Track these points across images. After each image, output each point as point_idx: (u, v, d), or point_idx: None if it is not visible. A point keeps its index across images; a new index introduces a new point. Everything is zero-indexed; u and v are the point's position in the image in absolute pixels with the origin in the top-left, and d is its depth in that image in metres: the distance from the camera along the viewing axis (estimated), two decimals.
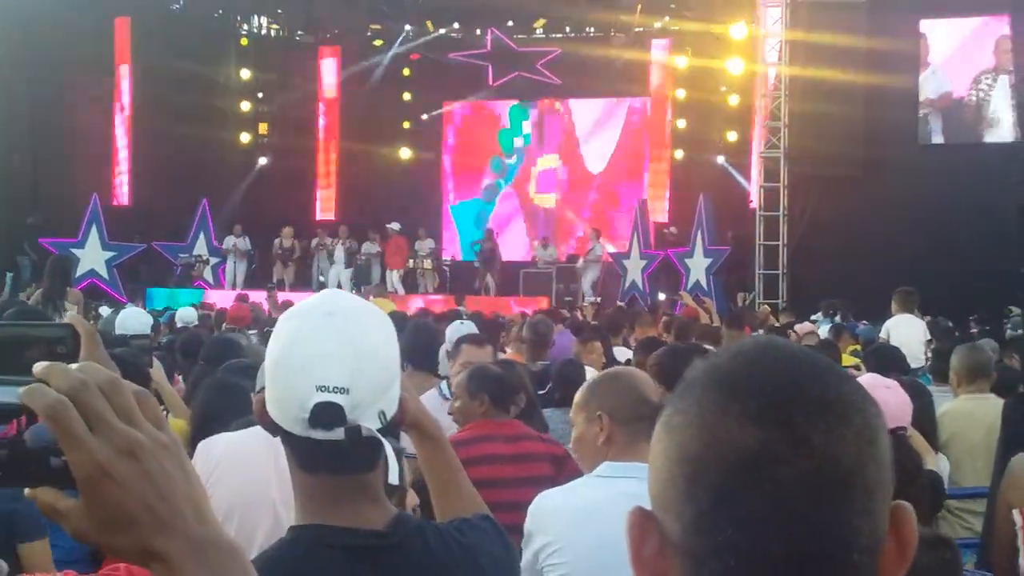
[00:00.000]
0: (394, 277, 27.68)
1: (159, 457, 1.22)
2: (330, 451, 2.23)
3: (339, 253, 28.34)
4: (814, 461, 1.25)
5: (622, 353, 10.40)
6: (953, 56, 23.39)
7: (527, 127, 33.31)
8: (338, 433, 2.20)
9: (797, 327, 15.10)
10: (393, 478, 2.36)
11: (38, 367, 1.24)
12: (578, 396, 4.20)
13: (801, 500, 1.24)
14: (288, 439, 2.28)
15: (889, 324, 13.21)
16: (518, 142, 33.37)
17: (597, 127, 32.83)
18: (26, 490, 1.24)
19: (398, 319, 12.02)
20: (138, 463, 1.20)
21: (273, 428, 2.29)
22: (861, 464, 1.26)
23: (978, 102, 23.32)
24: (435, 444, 2.68)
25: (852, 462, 1.26)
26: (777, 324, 16.62)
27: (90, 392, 1.21)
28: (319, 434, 2.21)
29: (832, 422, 1.26)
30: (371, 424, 2.24)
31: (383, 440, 2.33)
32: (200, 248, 28.02)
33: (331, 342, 2.24)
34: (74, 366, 1.25)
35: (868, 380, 5.18)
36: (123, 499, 1.19)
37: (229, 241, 28.22)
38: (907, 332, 12.62)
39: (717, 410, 1.29)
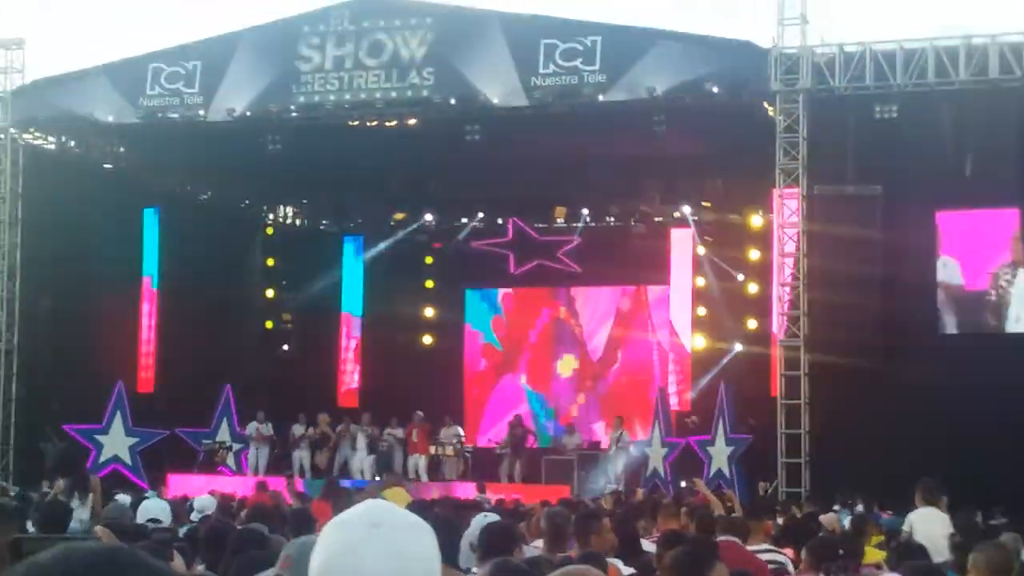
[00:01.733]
0: (420, 463, 27.64)
1: None
2: None
3: (361, 440, 28.32)
4: None
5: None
6: (966, 248, 23.58)
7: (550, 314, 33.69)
8: None
9: (822, 518, 15.01)
10: None
11: None
12: None
13: None
14: None
15: (912, 517, 13.09)
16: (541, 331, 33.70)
17: (615, 316, 33.09)
18: None
19: (420, 509, 12.02)
20: None
21: None
22: None
23: (999, 295, 23.42)
24: None
25: None
26: (799, 515, 16.50)
27: None
28: None
29: None
30: None
31: None
32: (223, 434, 28.05)
33: (378, 557, 2.26)
34: None
35: None
36: None
37: (252, 427, 28.25)
38: (931, 526, 12.50)
39: None
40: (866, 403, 22.55)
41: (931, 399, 21.83)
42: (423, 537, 2.36)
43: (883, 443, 21.97)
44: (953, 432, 21.35)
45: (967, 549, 8.03)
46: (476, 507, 12.12)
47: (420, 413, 28.20)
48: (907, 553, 8.51)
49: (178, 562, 7.48)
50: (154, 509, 11.23)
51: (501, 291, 34.13)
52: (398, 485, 21.49)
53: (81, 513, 14.42)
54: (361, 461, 27.92)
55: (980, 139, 22.75)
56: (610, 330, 33.07)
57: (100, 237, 26.20)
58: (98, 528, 2.54)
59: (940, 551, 11.44)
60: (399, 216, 33.54)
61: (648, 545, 10.26)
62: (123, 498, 16.00)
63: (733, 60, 23.94)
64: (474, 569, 7.40)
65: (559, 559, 8.61)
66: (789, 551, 10.43)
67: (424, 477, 26.95)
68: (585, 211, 32.37)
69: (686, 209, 30.73)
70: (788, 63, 23.20)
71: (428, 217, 33.22)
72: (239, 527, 10.62)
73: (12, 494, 16.17)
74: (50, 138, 27.51)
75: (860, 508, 17.32)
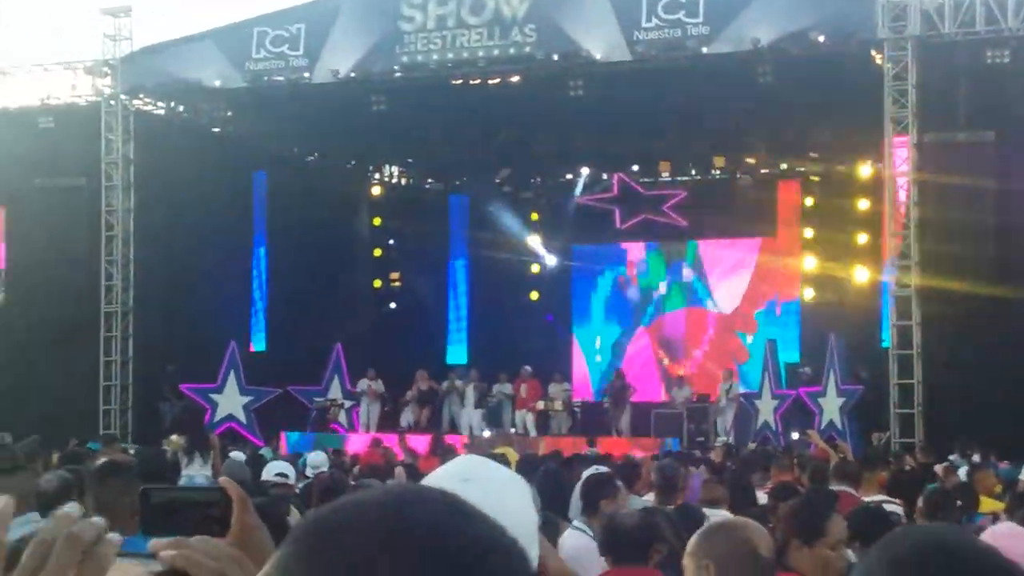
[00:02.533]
0: (528, 419, 27.78)
1: None
2: None
3: (470, 395, 28.52)
4: None
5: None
6: None
7: (660, 268, 33.54)
8: None
9: (937, 467, 14.85)
10: None
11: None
12: (691, 543, 4.21)
13: None
14: None
15: None
16: (657, 286, 33.57)
17: (728, 267, 32.89)
18: None
19: (529, 463, 12.11)
20: None
21: None
22: None
23: None
24: None
25: None
26: (913, 465, 16.34)
27: None
28: None
29: None
30: None
31: None
32: (335, 392, 28.42)
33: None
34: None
35: (1004, 529, 5.10)
36: None
37: (363, 384, 28.56)
38: None
39: None
40: (980, 353, 22.22)
41: None
42: (517, 491, 2.34)
43: (998, 394, 21.65)
44: None
45: None
46: (585, 461, 12.15)
47: (528, 368, 28.34)
48: None
49: (295, 516, 7.65)
50: (279, 467, 11.49)
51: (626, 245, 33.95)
52: (507, 444, 21.73)
53: (204, 470, 14.72)
54: (470, 417, 28.13)
55: None
56: (732, 284, 32.83)
57: (210, 200, 26.57)
58: (223, 479, 2.59)
59: None
60: (504, 173, 33.57)
61: (762, 497, 10.27)
62: (237, 455, 16.28)
63: (839, 8, 23.57)
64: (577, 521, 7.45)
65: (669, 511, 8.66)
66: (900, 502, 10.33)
67: (532, 432, 27.07)
68: (690, 165, 32.17)
69: (793, 161, 30.40)
70: (896, 10, 22.78)
71: (533, 174, 33.20)
72: (352, 482, 10.81)
73: (132, 452, 16.51)
74: (159, 104, 27.92)
75: (977, 458, 17.09)
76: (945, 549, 1.39)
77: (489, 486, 2.31)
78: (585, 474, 8.50)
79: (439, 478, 2.38)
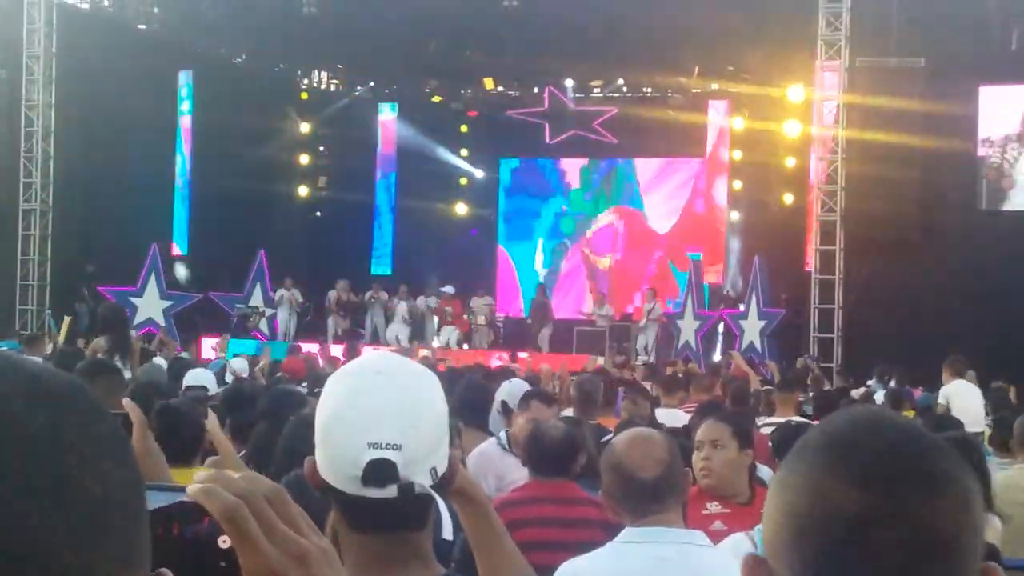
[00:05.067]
0: (452, 336, 27.82)
1: (323, 564, 1.26)
2: (382, 509, 2.22)
3: (400, 309, 28.51)
4: (912, 528, 1.35)
5: (674, 416, 10.33)
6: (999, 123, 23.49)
7: (592, 183, 33.52)
8: (391, 490, 2.18)
9: (853, 392, 15.00)
10: (446, 533, 2.35)
11: (201, 475, 1.24)
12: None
13: (899, 563, 1.35)
14: (339, 499, 2.27)
15: (948, 391, 13.11)
16: (584, 197, 33.56)
17: (659, 186, 32.91)
18: None
19: (451, 376, 12.05)
20: (307, 570, 1.24)
21: (324, 489, 2.28)
22: (956, 532, 1.37)
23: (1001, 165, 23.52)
24: (479, 509, 2.65)
25: (948, 530, 1.36)
26: (830, 387, 16.50)
27: (259, 500, 1.23)
28: (372, 492, 2.19)
29: (931, 492, 1.37)
30: (423, 481, 2.23)
31: (436, 497, 2.34)
32: (256, 299, 28.18)
33: (383, 399, 2.24)
34: (238, 475, 1.27)
35: None
36: None
37: (281, 292, 28.36)
38: (966, 400, 12.51)
39: (824, 471, 1.41)
40: (902, 278, 22.48)
41: (968, 274, 21.77)
42: (428, 382, 2.35)
43: (916, 320, 21.94)
44: (990, 308, 21.31)
45: (1008, 423, 7.99)
46: (507, 374, 12.12)
47: (451, 289, 28.32)
48: (942, 425, 8.46)
49: (211, 419, 7.52)
50: (200, 377, 11.29)
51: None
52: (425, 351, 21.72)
53: (126, 372, 14.49)
54: (396, 330, 28.09)
55: None
56: (667, 204, 32.89)
57: (134, 98, 26.00)
58: (125, 400, 2.51)
59: (977, 422, 11.44)
60: (433, 83, 33.24)
61: (684, 416, 10.31)
62: (160, 360, 16.06)
63: None
64: (501, 433, 7.44)
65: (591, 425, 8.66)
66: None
67: (454, 347, 27.10)
68: (621, 82, 32.03)
69: (724, 81, 30.35)
70: None
71: (463, 84, 32.90)
72: (272, 388, 10.66)
73: (50, 353, 16.25)
74: None
75: (893, 383, 17.30)
76: (878, 419, 1.47)
77: (401, 379, 2.30)
78: (504, 385, 8.49)
79: (352, 372, 2.34)
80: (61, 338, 19.16)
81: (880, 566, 1.35)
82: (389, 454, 2.19)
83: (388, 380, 2.27)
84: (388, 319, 28.72)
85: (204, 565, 1.28)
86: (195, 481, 1.22)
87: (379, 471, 2.17)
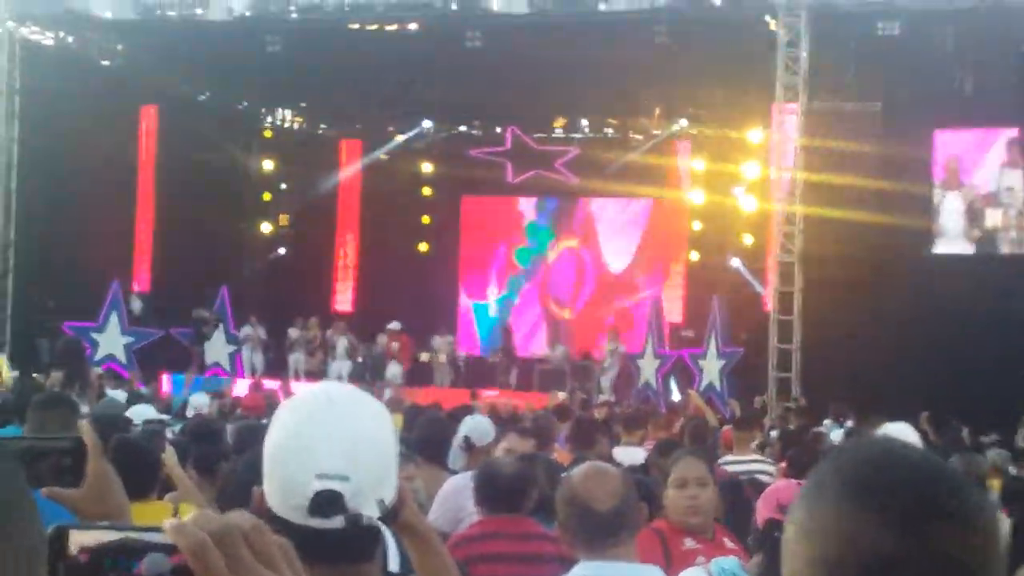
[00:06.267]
0: (397, 372, 27.75)
1: None
2: (329, 540, 2.20)
3: (341, 347, 28.50)
4: (944, 564, 1.38)
5: (632, 454, 10.40)
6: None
7: (550, 223, 33.65)
8: (338, 521, 2.18)
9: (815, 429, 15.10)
10: (393, 566, 2.38)
11: (182, 520, 1.27)
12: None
13: None
14: (286, 529, 2.19)
15: (888, 429, 13.24)
16: (543, 236, 33.68)
17: (617, 226, 33.06)
18: None
19: (411, 412, 12.10)
20: None
21: (271, 519, 2.23)
22: (984, 562, 1.40)
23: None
24: (425, 542, 2.65)
25: (978, 561, 1.40)
26: (791, 428, 16.61)
27: (233, 537, 1.25)
28: (319, 522, 2.18)
29: (963, 528, 1.40)
30: (370, 512, 2.22)
31: (383, 528, 2.36)
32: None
33: (331, 429, 2.24)
34: (227, 515, 1.29)
35: None
36: None
37: (246, 330, 28.29)
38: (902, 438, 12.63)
39: (853, 517, 1.41)
40: (858, 318, 22.69)
41: (923, 315, 21.99)
42: (376, 412, 2.36)
43: (873, 359, 22.12)
44: (944, 349, 21.51)
45: (945, 458, 8.09)
46: (467, 412, 12.16)
47: (397, 324, 28.30)
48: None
49: (169, 452, 7.53)
50: (146, 413, 11.27)
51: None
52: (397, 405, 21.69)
53: (83, 407, 14.48)
54: (340, 368, 28.04)
55: (981, 57, 22.69)
56: (622, 244, 33.01)
57: (98, 134, 25.99)
58: (82, 423, 2.54)
59: None
60: (397, 121, 33.32)
61: (641, 453, 10.38)
62: (118, 394, 16.05)
63: None
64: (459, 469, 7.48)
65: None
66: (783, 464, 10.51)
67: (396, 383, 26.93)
68: (584, 122, 32.21)
69: (684, 123, 30.57)
70: None
71: (426, 124, 33.00)
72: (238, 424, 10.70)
73: (9, 387, 16.23)
74: (48, 33, 27.25)
75: (850, 423, 17.43)
76: (894, 455, 1.49)
77: (350, 409, 2.31)
78: (464, 422, 8.55)
79: (304, 400, 2.38)
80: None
81: None
82: (336, 484, 2.19)
83: (337, 410, 2.29)
84: (329, 356, 28.70)
85: None
86: (183, 520, 1.26)
87: (326, 501, 2.18)
